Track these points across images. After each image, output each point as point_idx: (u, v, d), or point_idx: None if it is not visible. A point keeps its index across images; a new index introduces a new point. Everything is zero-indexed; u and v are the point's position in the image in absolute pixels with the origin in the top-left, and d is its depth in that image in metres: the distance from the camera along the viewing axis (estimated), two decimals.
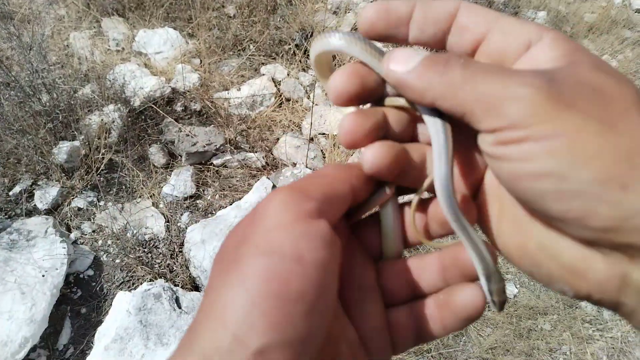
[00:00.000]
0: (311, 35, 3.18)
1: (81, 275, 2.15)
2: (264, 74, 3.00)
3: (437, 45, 0.38)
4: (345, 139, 0.39)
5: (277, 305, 0.28)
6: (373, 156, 0.38)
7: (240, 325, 0.28)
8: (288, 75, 3.05)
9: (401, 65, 0.36)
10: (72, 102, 2.45)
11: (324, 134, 2.77)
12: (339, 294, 0.39)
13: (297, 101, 2.94)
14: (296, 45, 3.13)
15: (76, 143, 2.37)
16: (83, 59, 2.79)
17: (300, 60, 3.11)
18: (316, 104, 2.91)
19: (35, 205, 2.27)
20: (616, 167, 0.27)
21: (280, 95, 2.93)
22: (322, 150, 2.72)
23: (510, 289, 2.42)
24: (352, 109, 0.41)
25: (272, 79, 2.97)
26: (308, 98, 2.93)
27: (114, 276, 2.17)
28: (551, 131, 0.28)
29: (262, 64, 3.08)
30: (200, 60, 3.01)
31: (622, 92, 0.30)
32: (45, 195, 2.27)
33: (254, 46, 3.09)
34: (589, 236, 0.30)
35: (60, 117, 2.38)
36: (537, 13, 3.55)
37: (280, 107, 2.90)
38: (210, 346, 0.28)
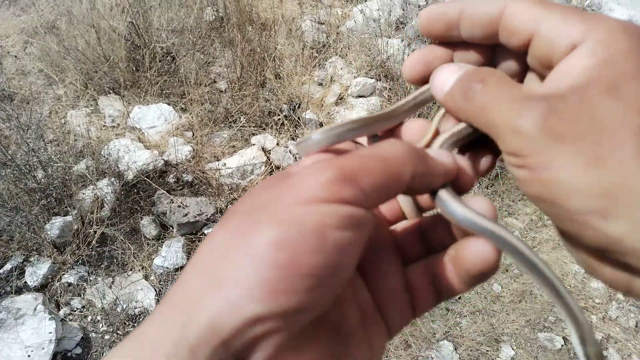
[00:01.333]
0: (299, 107, 3.31)
1: (69, 354, 2.11)
2: (254, 144, 3.10)
3: (491, 42, 0.38)
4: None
5: (282, 277, 0.27)
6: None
7: (237, 291, 0.27)
8: (277, 144, 3.15)
9: (439, 86, 0.39)
10: (67, 178, 2.52)
11: None
12: (359, 263, 0.35)
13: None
14: (285, 116, 3.26)
15: (69, 218, 2.41)
16: (79, 135, 2.89)
17: (288, 130, 3.23)
18: None
19: (25, 282, 2.27)
20: (597, 201, 0.29)
21: (271, 164, 3.02)
22: None
23: (507, 352, 2.38)
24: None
25: (262, 148, 3.07)
26: None
27: (102, 354, 2.13)
28: (542, 164, 0.31)
29: (253, 134, 3.19)
30: (193, 133, 3.11)
31: (625, 122, 0.29)
32: (36, 272, 2.28)
33: (244, 118, 3.22)
34: (590, 253, 0.32)
35: (54, 194, 2.44)
36: None
37: (271, 174, 2.98)
38: (201, 307, 0.27)
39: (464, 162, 0.38)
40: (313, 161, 0.34)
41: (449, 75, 0.38)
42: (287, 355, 0.28)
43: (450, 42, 0.40)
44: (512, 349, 2.40)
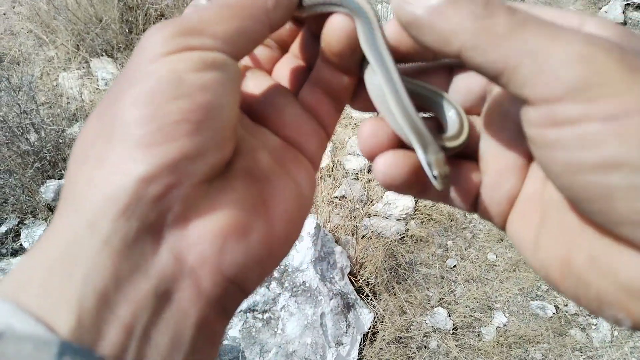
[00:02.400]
0: None
1: None
2: None
3: None
4: (364, 146, 0.37)
5: (154, 130, 0.27)
6: (385, 166, 0.35)
7: (120, 160, 0.26)
8: None
9: (419, 1, 0.29)
10: (60, 141, 2.48)
11: None
12: (255, 114, 0.37)
13: None
14: None
15: (63, 181, 2.38)
16: (72, 98, 2.83)
17: None
18: None
19: (21, 244, 2.26)
20: None
21: None
22: None
23: (499, 319, 2.42)
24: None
25: None
26: None
27: None
28: (624, 107, 0.23)
29: None
30: None
31: None
32: (32, 234, 2.27)
33: None
34: None
35: (48, 157, 2.40)
36: None
37: None
38: (90, 187, 0.26)
39: None
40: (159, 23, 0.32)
41: None
42: (201, 205, 0.28)
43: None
44: (505, 316, 2.45)
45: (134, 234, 0.26)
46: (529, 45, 0.25)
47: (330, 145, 2.87)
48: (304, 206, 0.36)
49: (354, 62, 0.37)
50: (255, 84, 0.39)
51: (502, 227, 0.37)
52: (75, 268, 0.24)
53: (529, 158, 0.35)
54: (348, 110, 3.21)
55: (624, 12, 4.43)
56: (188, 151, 0.27)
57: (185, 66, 0.28)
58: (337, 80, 0.38)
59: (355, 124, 3.08)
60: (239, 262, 0.29)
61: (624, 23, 4.40)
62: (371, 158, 0.37)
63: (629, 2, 4.45)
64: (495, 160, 0.36)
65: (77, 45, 3.20)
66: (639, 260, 0.25)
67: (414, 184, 0.36)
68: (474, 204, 0.38)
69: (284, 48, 0.42)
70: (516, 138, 0.34)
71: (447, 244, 2.68)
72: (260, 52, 0.41)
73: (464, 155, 0.38)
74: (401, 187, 0.36)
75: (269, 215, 0.32)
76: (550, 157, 0.26)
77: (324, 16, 0.36)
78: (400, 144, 0.37)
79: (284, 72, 0.41)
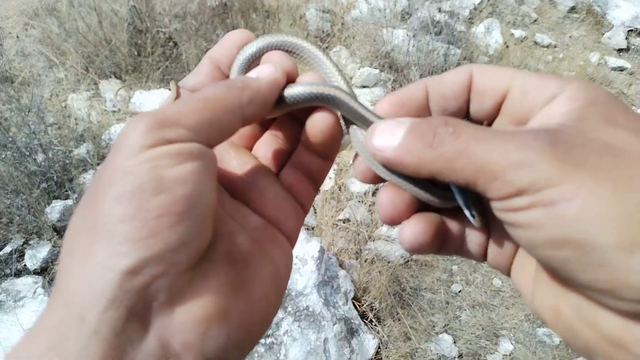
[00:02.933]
0: None
1: None
2: None
3: (462, 116, 0.38)
4: (386, 214, 0.38)
5: (137, 227, 0.28)
6: (413, 235, 0.37)
7: (105, 255, 0.27)
8: None
9: (385, 140, 0.34)
10: (67, 162, 2.50)
11: None
12: (237, 193, 0.39)
13: None
14: None
15: (69, 202, 2.39)
16: (80, 119, 2.86)
17: None
18: None
19: (25, 265, 2.26)
20: (638, 231, 0.25)
21: None
22: (313, 206, 2.75)
23: (506, 346, 2.39)
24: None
25: None
26: None
27: None
28: (561, 195, 0.26)
29: None
30: None
31: (635, 145, 0.27)
32: (36, 255, 2.27)
33: None
34: (625, 308, 0.26)
35: (55, 177, 2.42)
36: None
37: None
38: (78, 281, 0.28)
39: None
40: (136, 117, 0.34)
41: (394, 127, 0.34)
42: (185, 293, 0.30)
43: None
44: (511, 343, 2.41)
45: (122, 323, 0.27)
46: (475, 162, 0.29)
47: (334, 167, 2.88)
48: (281, 286, 0.39)
49: (334, 150, 0.41)
50: (238, 163, 0.41)
51: (508, 275, 0.40)
52: (66, 357, 0.26)
53: None
54: None
55: (626, 38, 4.47)
56: (171, 243, 0.29)
57: (164, 162, 0.29)
58: (317, 164, 0.42)
59: None
60: (220, 346, 0.31)
61: (627, 49, 4.43)
62: (393, 225, 0.39)
63: (631, 28, 4.49)
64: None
65: (87, 67, 3.25)
66: (615, 315, 0.27)
67: (436, 243, 0.38)
68: (485, 254, 0.40)
69: (264, 125, 0.45)
70: None
71: (452, 269, 2.66)
72: (243, 129, 0.43)
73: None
74: (425, 249, 0.37)
75: (248, 298, 0.34)
76: (515, 234, 0.31)
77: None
78: (420, 205, 0.39)
79: (265, 150, 0.44)
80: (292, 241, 0.42)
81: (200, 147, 0.32)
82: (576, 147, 0.28)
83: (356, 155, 0.42)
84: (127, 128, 0.31)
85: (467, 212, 0.37)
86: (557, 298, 0.32)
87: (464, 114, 0.38)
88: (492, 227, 0.39)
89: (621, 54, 4.41)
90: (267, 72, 0.38)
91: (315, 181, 0.43)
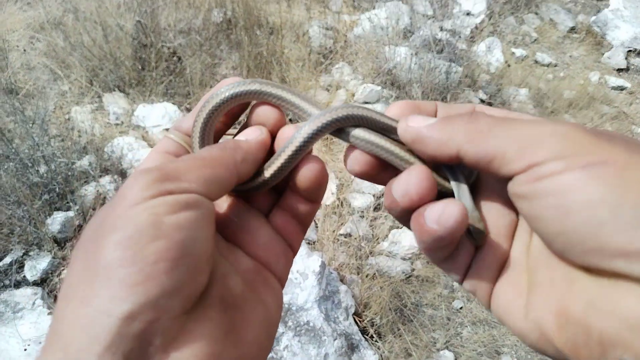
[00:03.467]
0: None
1: None
2: None
3: None
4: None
5: (135, 271, 0.29)
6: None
7: (103, 299, 0.28)
8: None
9: (420, 121, 0.37)
10: (69, 174, 2.50)
11: None
12: (229, 235, 0.41)
13: None
14: (290, 120, 3.25)
15: (70, 214, 2.39)
16: (83, 132, 2.88)
17: None
18: None
19: (24, 276, 2.25)
20: None
21: None
22: (315, 221, 2.74)
23: None
24: None
25: None
26: None
27: None
28: (598, 159, 0.27)
29: None
30: None
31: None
32: (36, 266, 2.26)
33: None
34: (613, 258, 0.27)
35: (57, 189, 2.42)
36: (518, 90, 3.73)
37: None
38: (75, 326, 0.28)
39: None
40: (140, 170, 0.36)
41: (427, 117, 0.38)
42: (180, 337, 0.31)
43: None
44: None
45: None
46: (510, 133, 0.32)
47: (336, 182, 2.88)
48: (272, 330, 0.40)
49: (321, 194, 0.44)
50: (229, 205, 0.43)
51: (487, 302, 0.40)
52: None
53: (513, 230, 0.40)
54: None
55: (626, 58, 4.52)
56: (167, 288, 0.30)
57: (163, 209, 0.31)
58: (304, 207, 0.44)
59: None
60: None
61: (627, 69, 4.47)
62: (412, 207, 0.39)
63: (631, 48, 4.54)
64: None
65: (91, 81, 3.27)
66: (637, 293, 0.27)
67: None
68: (465, 274, 0.41)
69: None
70: (502, 209, 0.40)
71: (453, 285, 2.64)
72: None
73: None
74: (452, 236, 0.37)
75: (240, 343, 0.35)
76: (541, 207, 0.30)
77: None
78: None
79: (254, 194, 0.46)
80: (282, 282, 0.43)
81: (199, 197, 0.34)
82: (604, 133, 0.30)
83: (351, 148, 0.43)
84: (131, 180, 0.32)
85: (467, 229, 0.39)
86: (563, 300, 0.32)
87: None
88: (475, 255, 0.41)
89: (621, 73, 4.45)
90: (254, 134, 0.42)
91: (303, 223, 0.45)
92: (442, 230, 0.35)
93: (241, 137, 0.42)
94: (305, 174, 0.42)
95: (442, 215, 0.35)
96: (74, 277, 0.31)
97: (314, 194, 0.43)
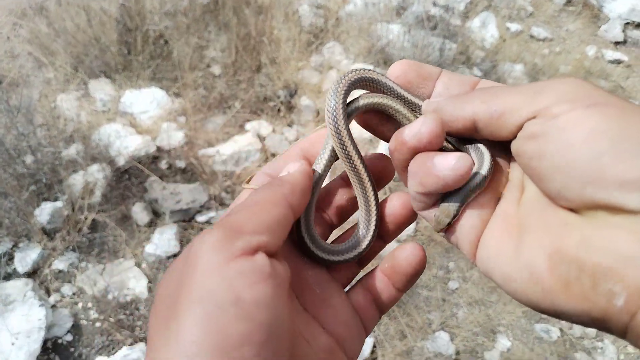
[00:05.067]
0: (295, 93, 3.25)
1: (60, 341, 2.07)
2: (249, 130, 3.04)
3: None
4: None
5: (220, 356, 0.27)
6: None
7: None
8: (273, 131, 3.09)
9: (441, 97, 0.41)
10: (56, 163, 2.46)
11: None
12: (308, 304, 0.40)
13: None
14: (281, 102, 3.20)
15: (59, 204, 2.36)
16: (69, 120, 2.82)
17: (284, 116, 3.17)
18: None
19: (15, 268, 2.22)
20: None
21: (266, 151, 2.96)
22: None
23: (503, 343, 2.36)
24: None
25: (258, 134, 3.01)
26: None
27: (94, 341, 2.10)
28: (599, 100, 0.30)
29: (248, 120, 3.13)
30: (186, 118, 3.05)
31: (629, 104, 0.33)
32: (26, 258, 2.23)
33: (239, 103, 3.15)
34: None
35: (44, 179, 2.38)
36: (513, 66, 3.67)
37: (266, 162, 2.93)
38: None
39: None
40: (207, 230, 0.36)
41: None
42: None
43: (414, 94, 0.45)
44: (509, 340, 2.39)
45: None
46: (519, 89, 0.35)
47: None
48: None
49: (410, 285, 0.43)
50: (313, 273, 0.42)
51: (472, 254, 0.41)
52: None
53: (501, 187, 0.42)
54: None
55: (623, 31, 4.44)
56: None
57: (241, 282, 0.30)
58: (389, 293, 0.43)
59: None
60: None
61: (624, 42, 4.40)
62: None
63: (628, 20, 4.45)
64: None
65: (76, 67, 3.20)
66: (630, 226, 0.29)
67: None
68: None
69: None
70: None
71: (448, 266, 2.63)
72: None
73: None
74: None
75: None
76: (547, 144, 0.33)
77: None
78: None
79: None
80: None
81: (272, 262, 0.33)
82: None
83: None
84: (201, 241, 0.32)
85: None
86: (557, 239, 0.33)
87: None
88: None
89: (618, 47, 4.38)
90: (295, 166, 0.42)
91: (382, 309, 0.44)
92: (452, 176, 0.37)
93: (284, 172, 0.42)
94: (407, 258, 0.41)
95: (456, 163, 0.37)
96: (153, 347, 0.30)
97: (407, 281, 0.42)
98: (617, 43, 4.39)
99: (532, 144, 0.34)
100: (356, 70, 0.45)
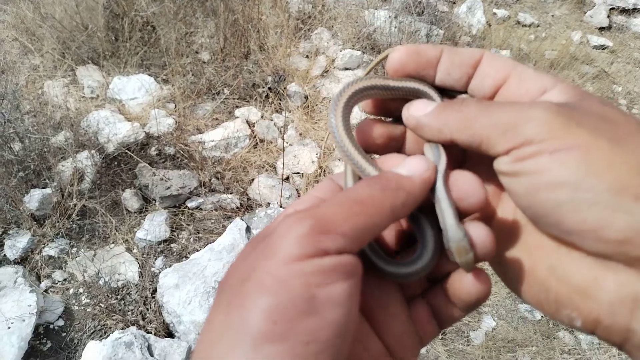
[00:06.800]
0: (284, 79, 3.26)
1: (51, 326, 2.09)
2: (238, 117, 3.05)
3: (461, 88, 0.41)
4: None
5: (283, 349, 0.26)
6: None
7: None
8: (262, 117, 3.11)
9: (420, 110, 0.39)
10: (45, 150, 2.45)
11: (298, 173, 2.81)
12: (365, 307, 0.37)
13: (271, 142, 2.99)
14: (269, 89, 3.21)
15: (48, 191, 2.36)
16: (57, 106, 2.81)
17: (273, 102, 3.18)
18: (290, 144, 2.95)
19: (5, 255, 2.23)
20: (629, 178, 0.28)
21: (255, 137, 2.98)
22: (297, 189, 2.74)
23: (488, 323, 2.42)
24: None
25: (247, 121, 3.02)
26: (282, 139, 2.99)
27: (85, 325, 2.12)
28: (564, 144, 0.30)
29: (237, 107, 3.14)
30: (175, 105, 3.05)
31: (627, 120, 0.32)
32: (16, 245, 2.24)
33: (228, 90, 3.16)
34: (604, 250, 0.30)
35: (32, 166, 2.38)
36: (500, 52, 3.70)
37: (255, 148, 2.94)
38: None
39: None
40: (293, 210, 0.34)
41: (428, 103, 0.40)
42: None
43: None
44: (494, 319, 2.45)
45: None
46: (493, 120, 0.34)
47: (317, 150, 2.87)
48: None
49: (474, 309, 0.39)
50: (374, 277, 0.38)
51: None
52: None
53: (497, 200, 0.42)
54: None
55: (608, 17, 4.48)
56: None
57: (317, 279, 0.28)
58: (451, 314, 0.40)
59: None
60: None
61: (609, 27, 4.45)
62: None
63: (613, 6, 4.50)
64: None
65: (63, 54, 3.18)
66: (587, 266, 0.31)
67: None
68: None
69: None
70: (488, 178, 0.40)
71: None
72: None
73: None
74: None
75: None
76: (517, 184, 0.33)
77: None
78: None
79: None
80: None
81: (353, 262, 0.31)
82: (578, 113, 0.32)
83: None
84: (285, 228, 0.30)
85: (450, 257, 0.37)
86: (532, 261, 0.36)
87: (463, 86, 0.41)
88: None
89: (603, 32, 4.43)
90: (420, 169, 0.36)
91: (442, 326, 0.41)
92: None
93: (403, 170, 0.36)
94: (468, 288, 0.37)
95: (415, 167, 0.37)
96: (215, 332, 0.29)
97: (468, 308, 0.39)
98: (601, 28, 4.44)
99: (503, 178, 0.35)
100: (353, 82, 0.42)
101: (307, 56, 3.50)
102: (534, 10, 4.54)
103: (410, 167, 0.36)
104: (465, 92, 0.42)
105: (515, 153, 0.32)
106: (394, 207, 0.33)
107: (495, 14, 4.26)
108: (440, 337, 2.33)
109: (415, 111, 0.40)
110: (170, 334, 2.11)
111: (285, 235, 0.30)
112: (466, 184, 0.36)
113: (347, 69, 3.40)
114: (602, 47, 4.20)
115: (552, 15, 4.52)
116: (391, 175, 0.35)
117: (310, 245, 0.29)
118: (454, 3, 4.12)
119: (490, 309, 2.50)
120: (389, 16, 3.46)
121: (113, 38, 3.23)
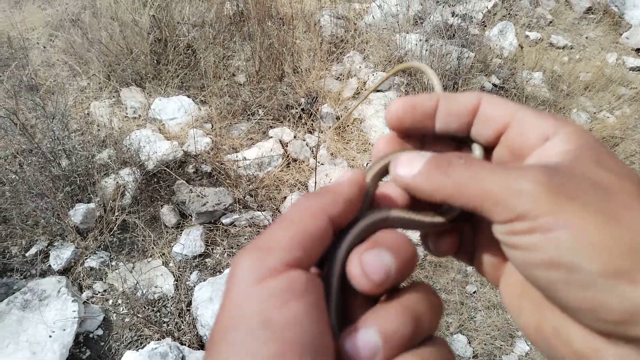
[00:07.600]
0: (316, 100, 3.34)
1: (91, 335, 2.18)
2: (272, 137, 3.14)
3: (462, 134, 0.40)
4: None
5: None
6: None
7: None
8: (295, 137, 3.18)
9: (406, 168, 0.37)
10: (90, 166, 2.59)
11: None
12: (343, 311, 0.37)
13: (303, 161, 3.05)
14: (302, 110, 3.29)
15: (92, 205, 2.48)
16: (102, 125, 2.96)
17: (306, 123, 3.26)
18: (321, 164, 3.01)
19: (50, 265, 2.35)
20: (622, 260, 0.28)
21: (288, 156, 3.05)
22: None
23: (522, 347, 2.37)
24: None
25: (280, 141, 3.11)
26: (314, 158, 3.05)
27: (123, 335, 2.20)
28: (555, 223, 0.29)
29: (271, 127, 3.23)
30: (212, 125, 3.17)
31: (623, 187, 0.31)
32: (60, 256, 2.35)
33: (262, 111, 3.26)
34: (601, 328, 0.29)
35: (78, 181, 2.51)
36: (532, 74, 3.69)
37: (288, 167, 3.02)
38: None
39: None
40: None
41: (416, 158, 0.38)
42: None
43: (413, 135, 0.42)
44: (527, 344, 2.40)
45: None
46: (483, 188, 0.33)
47: (346, 165, 2.91)
48: None
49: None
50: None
51: (497, 286, 0.41)
52: None
53: None
54: (366, 136, 3.26)
55: None
56: None
57: (270, 304, 0.29)
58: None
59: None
60: None
61: None
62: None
63: None
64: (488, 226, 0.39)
65: (108, 76, 3.36)
66: (588, 336, 0.31)
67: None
68: (471, 259, 0.42)
69: None
70: None
71: (466, 270, 2.66)
72: None
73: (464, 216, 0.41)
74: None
75: None
76: (513, 255, 0.33)
77: None
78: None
79: None
80: None
81: (305, 279, 0.31)
82: (569, 183, 0.31)
83: None
84: (236, 263, 0.31)
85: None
86: (539, 318, 0.35)
87: (464, 134, 0.40)
88: (482, 240, 0.41)
89: (639, 53, 4.36)
90: (346, 175, 0.39)
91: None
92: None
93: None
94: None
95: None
96: None
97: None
98: (638, 50, 4.37)
99: (501, 245, 0.35)
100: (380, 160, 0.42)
101: (339, 78, 3.58)
102: (567, 32, 4.52)
103: (341, 176, 0.38)
104: (468, 137, 0.41)
105: (509, 226, 0.32)
106: (323, 207, 0.34)
107: (527, 36, 4.26)
108: None
109: (402, 169, 0.38)
110: (203, 346, 2.16)
111: (235, 269, 0.31)
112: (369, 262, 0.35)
113: (378, 90, 3.46)
114: (639, 69, 4.14)
115: (586, 37, 4.49)
116: (321, 188, 0.37)
117: (256, 270, 0.30)
118: (486, 26, 4.15)
119: (523, 334, 2.45)
120: (420, 39, 3.52)
121: (155, 61, 3.39)
